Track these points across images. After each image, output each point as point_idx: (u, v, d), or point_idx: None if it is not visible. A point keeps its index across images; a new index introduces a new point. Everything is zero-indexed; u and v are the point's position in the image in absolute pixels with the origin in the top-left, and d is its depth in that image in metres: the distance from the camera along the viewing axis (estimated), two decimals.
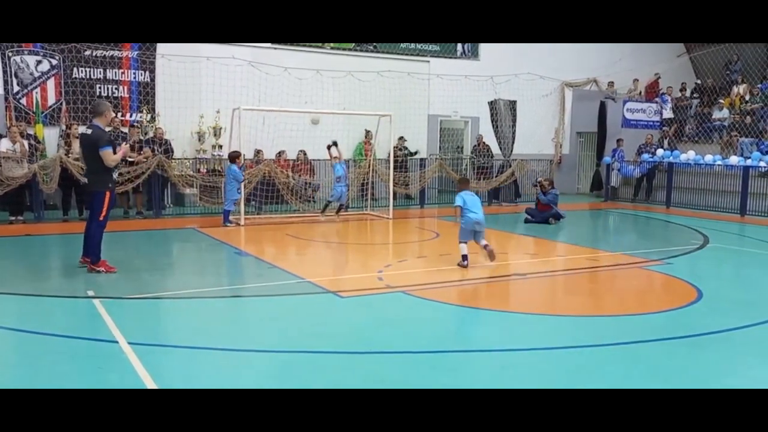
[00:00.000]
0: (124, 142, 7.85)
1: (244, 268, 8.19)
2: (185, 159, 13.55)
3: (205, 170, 13.59)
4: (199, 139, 14.21)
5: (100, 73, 13.56)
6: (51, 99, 13.18)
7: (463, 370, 4.46)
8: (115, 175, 7.50)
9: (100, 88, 13.57)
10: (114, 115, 13.14)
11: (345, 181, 12.27)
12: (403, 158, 15.21)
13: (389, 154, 13.40)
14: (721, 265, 8.82)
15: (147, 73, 13.97)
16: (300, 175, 14.07)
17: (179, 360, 4.60)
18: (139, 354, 4.48)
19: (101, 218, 7.16)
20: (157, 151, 12.52)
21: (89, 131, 7.20)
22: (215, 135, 14.24)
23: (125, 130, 13.16)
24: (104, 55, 13.50)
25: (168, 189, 13.39)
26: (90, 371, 4.24)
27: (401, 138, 16.03)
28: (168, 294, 6.50)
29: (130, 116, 13.84)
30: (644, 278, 7.70)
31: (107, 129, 7.53)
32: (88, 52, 13.29)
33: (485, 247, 7.78)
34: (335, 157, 12.27)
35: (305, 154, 14.51)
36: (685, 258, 8.81)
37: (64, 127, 12.69)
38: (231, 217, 11.33)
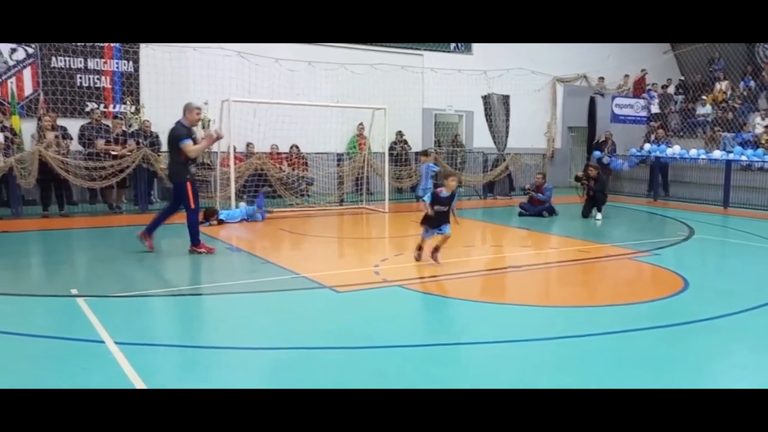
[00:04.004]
0: (211, 130, 8.20)
1: (237, 264, 7.99)
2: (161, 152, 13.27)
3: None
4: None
5: (80, 63, 13.18)
6: (27, 89, 12.76)
7: (459, 362, 4.46)
8: (193, 169, 8.03)
9: (80, 78, 13.18)
10: (97, 106, 12.93)
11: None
12: (401, 153, 15.27)
13: (384, 148, 13.44)
14: (706, 255, 9.02)
15: (131, 63, 13.62)
16: (294, 169, 14.05)
17: (170, 359, 4.41)
18: (127, 354, 4.28)
19: (192, 206, 7.88)
20: (143, 144, 12.28)
21: (173, 127, 7.91)
22: (204, 127, 14.12)
23: (108, 122, 12.81)
24: (85, 43, 13.07)
25: (155, 183, 13.12)
26: (74, 372, 4.03)
27: (399, 132, 16.09)
28: (156, 292, 6.29)
29: (114, 108, 13.48)
30: (633, 269, 7.85)
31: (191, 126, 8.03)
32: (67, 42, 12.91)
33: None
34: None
35: (298, 147, 14.50)
36: (672, 249, 9.00)
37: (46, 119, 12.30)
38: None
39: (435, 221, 7.32)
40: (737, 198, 14.25)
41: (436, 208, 7.27)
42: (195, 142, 7.93)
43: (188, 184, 7.86)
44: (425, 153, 13.78)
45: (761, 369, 4.42)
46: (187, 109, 7.92)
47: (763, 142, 15.64)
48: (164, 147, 13.03)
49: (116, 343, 4.53)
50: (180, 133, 7.78)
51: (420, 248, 7.56)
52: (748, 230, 10.88)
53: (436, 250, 7.41)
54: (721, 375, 4.34)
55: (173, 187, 8.20)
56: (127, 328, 5.00)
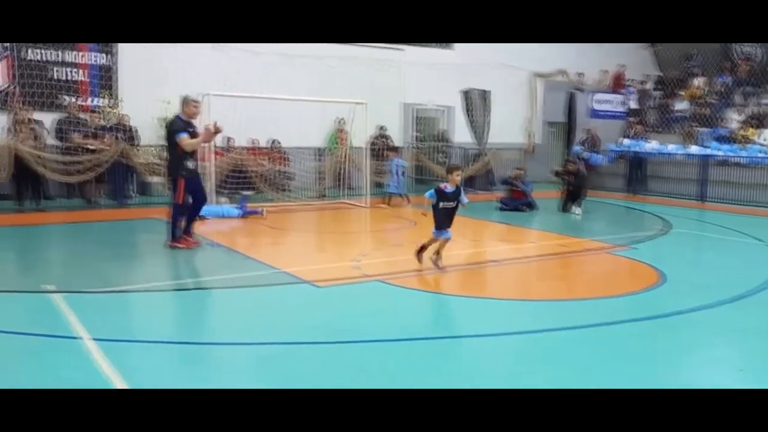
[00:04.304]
0: (211, 124, 8.16)
1: (216, 260, 7.89)
2: (150, 146, 12.97)
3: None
4: (163, 125, 13.90)
5: (56, 56, 12.92)
6: (1, 82, 12.45)
7: (440, 357, 4.47)
8: (190, 164, 7.86)
9: (56, 71, 12.91)
10: (74, 100, 12.67)
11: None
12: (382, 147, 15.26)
13: (365, 142, 13.42)
14: (682, 249, 9.14)
15: (107, 56, 13.38)
16: (274, 164, 13.96)
17: (150, 356, 4.36)
18: (105, 350, 4.23)
19: (180, 203, 7.81)
20: (121, 138, 12.12)
21: (170, 120, 7.89)
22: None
23: (85, 116, 12.61)
24: None
25: (133, 178, 12.91)
26: (50, 369, 3.99)
27: (382, 127, 16.05)
28: (135, 287, 6.21)
29: (90, 101, 13.24)
30: (611, 263, 7.94)
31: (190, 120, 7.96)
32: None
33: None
34: None
35: (279, 142, 14.41)
36: (649, 243, 9.11)
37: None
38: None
39: (444, 219, 6.85)
40: (713, 192, 14.45)
41: (443, 205, 6.82)
42: (194, 136, 7.81)
43: (181, 181, 7.74)
44: (393, 149, 13.79)
45: (735, 362, 4.49)
46: (184, 102, 7.80)
47: (738, 137, 15.89)
48: (143, 141, 13.04)
49: (94, 339, 4.47)
50: (176, 126, 7.68)
51: (423, 249, 7.01)
52: (724, 224, 11.04)
53: (437, 254, 6.94)
54: (697, 368, 4.41)
55: (169, 182, 8.15)
56: (104, 324, 4.94)
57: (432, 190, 6.90)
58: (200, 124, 11.58)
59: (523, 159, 17.50)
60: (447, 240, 6.92)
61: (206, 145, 11.66)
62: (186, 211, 8.01)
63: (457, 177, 6.96)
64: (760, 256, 8.48)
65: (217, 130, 8.20)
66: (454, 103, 17.25)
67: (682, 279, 6.93)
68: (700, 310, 5.61)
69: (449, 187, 6.88)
